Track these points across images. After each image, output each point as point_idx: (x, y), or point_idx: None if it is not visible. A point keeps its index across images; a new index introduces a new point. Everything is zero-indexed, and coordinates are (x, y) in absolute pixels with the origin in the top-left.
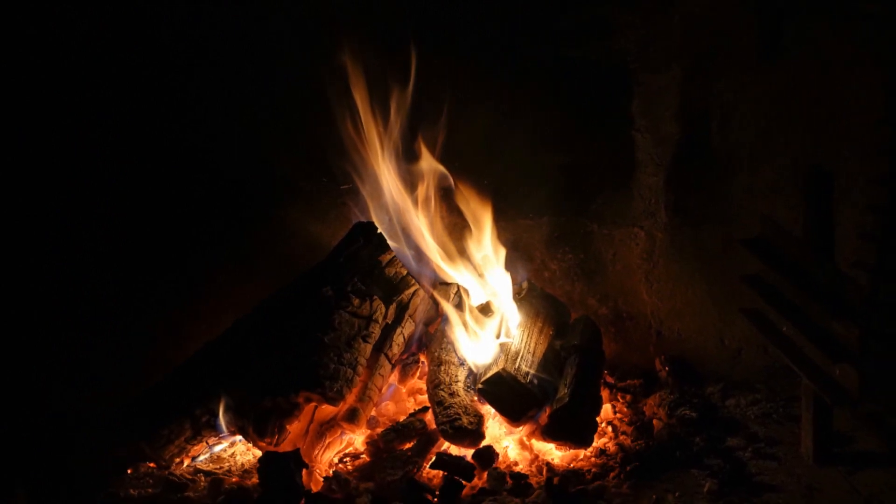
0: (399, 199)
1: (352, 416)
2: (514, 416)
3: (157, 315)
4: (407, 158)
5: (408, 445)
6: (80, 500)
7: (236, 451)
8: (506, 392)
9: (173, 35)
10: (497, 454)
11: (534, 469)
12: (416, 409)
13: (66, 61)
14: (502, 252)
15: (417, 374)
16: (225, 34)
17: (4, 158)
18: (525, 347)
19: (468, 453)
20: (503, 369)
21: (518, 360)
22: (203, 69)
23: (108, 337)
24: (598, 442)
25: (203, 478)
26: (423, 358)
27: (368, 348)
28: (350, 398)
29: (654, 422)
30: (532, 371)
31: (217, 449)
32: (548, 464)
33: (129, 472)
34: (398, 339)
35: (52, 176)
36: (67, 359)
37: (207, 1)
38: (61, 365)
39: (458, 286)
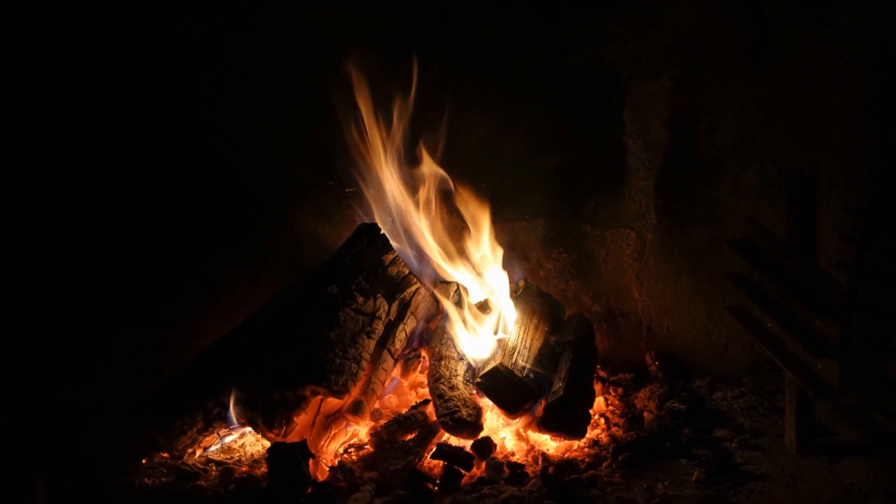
0: (401, 202)
1: (356, 409)
2: (511, 408)
3: (172, 313)
4: (409, 163)
5: (410, 436)
6: (97, 489)
7: (246, 442)
8: (503, 385)
9: (192, 49)
10: (495, 445)
11: (530, 459)
12: (418, 401)
13: (101, 76)
14: (500, 252)
15: (419, 368)
16: (238, 47)
17: (32, 162)
18: (522, 343)
19: (467, 444)
20: (501, 364)
21: (515, 355)
22: (218, 80)
23: (126, 333)
24: (591, 433)
25: (214, 467)
26: (424, 353)
27: (372, 344)
28: (354, 391)
29: (645, 414)
30: (528, 366)
31: (228, 440)
32: (543, 454)
33: (143, 461)
34: (400, 336)
35: (77, 180)
36: (86, 353)
37: (223, 18)
38: (80, 359)
39: (458, 285)
